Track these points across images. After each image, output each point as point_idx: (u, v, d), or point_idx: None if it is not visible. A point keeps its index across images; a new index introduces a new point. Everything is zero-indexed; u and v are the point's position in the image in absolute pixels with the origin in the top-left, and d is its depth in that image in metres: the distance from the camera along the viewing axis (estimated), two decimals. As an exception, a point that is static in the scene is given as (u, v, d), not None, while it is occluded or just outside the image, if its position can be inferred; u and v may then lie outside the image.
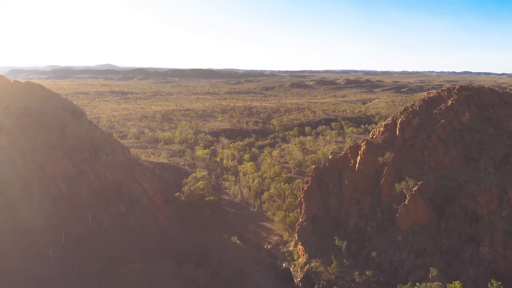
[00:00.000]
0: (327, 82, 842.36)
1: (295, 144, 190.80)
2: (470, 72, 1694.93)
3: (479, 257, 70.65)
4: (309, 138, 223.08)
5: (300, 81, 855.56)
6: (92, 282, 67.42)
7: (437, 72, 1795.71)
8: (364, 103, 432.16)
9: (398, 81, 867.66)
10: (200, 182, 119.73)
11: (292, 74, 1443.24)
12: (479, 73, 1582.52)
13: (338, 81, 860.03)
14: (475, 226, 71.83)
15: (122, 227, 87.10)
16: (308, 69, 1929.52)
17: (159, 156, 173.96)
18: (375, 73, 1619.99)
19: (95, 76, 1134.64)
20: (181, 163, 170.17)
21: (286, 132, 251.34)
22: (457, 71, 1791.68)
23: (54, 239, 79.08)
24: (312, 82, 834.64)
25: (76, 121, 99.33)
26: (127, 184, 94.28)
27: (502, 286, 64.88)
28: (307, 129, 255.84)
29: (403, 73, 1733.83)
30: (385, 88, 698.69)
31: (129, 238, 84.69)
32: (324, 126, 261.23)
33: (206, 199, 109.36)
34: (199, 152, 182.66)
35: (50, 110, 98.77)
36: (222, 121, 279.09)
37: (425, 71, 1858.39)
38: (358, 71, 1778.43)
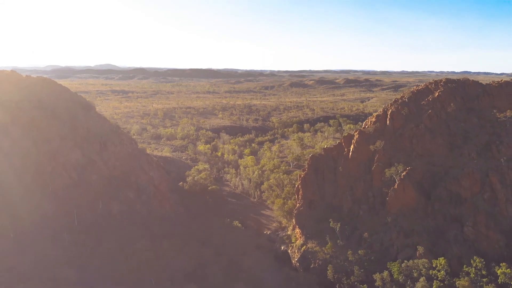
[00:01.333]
0: (326, 81, 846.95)
1: (294, 140, 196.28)
2: (469, 72, 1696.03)
3: (463, 237, 76.29)
4: (307, 134, 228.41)
5: (299, 81, 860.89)
6: (105, 260, 72.85)
7: (436, 72, 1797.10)
8: (362, 102, 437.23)
9: (397, 81, 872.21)
10: (202, 173, 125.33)
11: (291, 74, 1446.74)
12: (478, 73, 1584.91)
13: (337, 81, 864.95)
14: (459, 208, 77.48)
15: (130, 212, 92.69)
16: (307, 69, 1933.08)
17: (162, 151, 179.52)
18: (374, 73, 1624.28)
19: (95, 76, 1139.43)
20: (183, 158, 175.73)
21: (285, 129, 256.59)
22: (456, 71, 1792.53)
23: (67, 223, 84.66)
24: (311, 82, 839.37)
25: (86, 114, 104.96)
26: (134, 173, 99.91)
27: (484, 263, 70.50)
28: (305, 126, 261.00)
29: (403, 73, 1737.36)
30: (384, 87, 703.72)
31: (137, 222, 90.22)
32: (322, 123, 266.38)
33: (209, 188, 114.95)
34: (201, 147, 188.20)
35: (61, 103, 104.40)
36: (222, 119, 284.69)
37: (424, 71, 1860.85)
38: (358, 71, 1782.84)
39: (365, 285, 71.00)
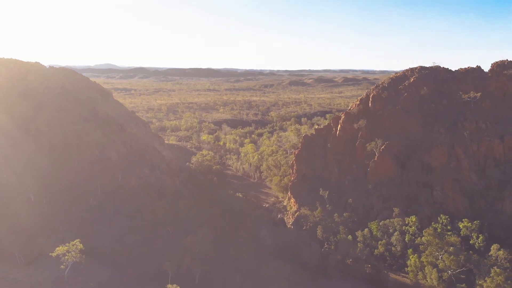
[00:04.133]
0: (325, 80, 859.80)
1: (291, 131, 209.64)
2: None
3: (433, 200, 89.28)
4: (304, 126, 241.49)
5: (298, 79, 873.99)
6: (127, 218, 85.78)
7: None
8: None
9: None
10: (207, 156, 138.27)
11: (291, 73, 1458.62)
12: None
13: (336, 79, 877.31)
14: (430, 176, 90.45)
15: (146, 185, 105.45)
16: (307, 68, 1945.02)
17: (168, 140, 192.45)
18: (373, 72, 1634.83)
19: (96, 75, 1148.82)
20: (188, 146, 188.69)
21: (284, 122, 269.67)
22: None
23: (92, 191, 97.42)
24: (310, 80, 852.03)
25: (105, 100, 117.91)
26: (149, 152, 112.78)
27: (449, 219, 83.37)
28: (303, 120, 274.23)
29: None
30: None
31: (152, 193, 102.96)
32: (319, 117, 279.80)
33: (213, 168, 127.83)
34: (204, 137, 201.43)
35: (83, 90, 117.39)
36: (223, 113, 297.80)
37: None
38: (357, 71, 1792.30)
39: (350, 236, 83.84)
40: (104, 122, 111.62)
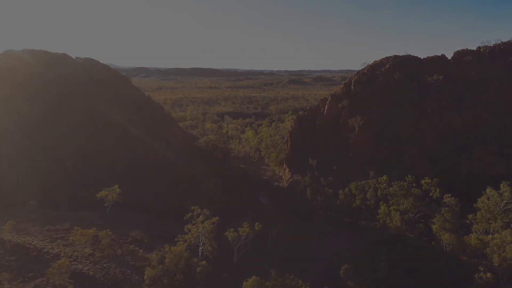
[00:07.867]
0: (324, 79, 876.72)
1: (289, 121, 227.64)
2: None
3: (402, 165, 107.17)
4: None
5: (298, 78, 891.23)
6: (150, 178, 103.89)
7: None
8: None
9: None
10: (212, 137, 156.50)
11: (291, 73, 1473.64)
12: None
13: (334, 79, 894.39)
14: (400, 145, 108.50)
15: (162, 157, 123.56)
16: (307, 68, 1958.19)
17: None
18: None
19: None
20: (194, 133, 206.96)
21: (282, 115, 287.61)
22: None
23: (117, 161, 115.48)
24: (309, 79, 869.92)
25: (125, 85, 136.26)
26: (163, 130, 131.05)
27: (414, 178, 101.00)
28: (300, 113, 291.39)
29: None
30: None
31: (168, 163, 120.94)
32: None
33: (219, 146, 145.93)
34: (209, 125, 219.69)
35: (106, 77, 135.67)
36: (225, 106, 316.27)
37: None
38: (356, 71, 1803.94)
39: (330, 190, 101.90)
40: (125, 104, 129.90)
